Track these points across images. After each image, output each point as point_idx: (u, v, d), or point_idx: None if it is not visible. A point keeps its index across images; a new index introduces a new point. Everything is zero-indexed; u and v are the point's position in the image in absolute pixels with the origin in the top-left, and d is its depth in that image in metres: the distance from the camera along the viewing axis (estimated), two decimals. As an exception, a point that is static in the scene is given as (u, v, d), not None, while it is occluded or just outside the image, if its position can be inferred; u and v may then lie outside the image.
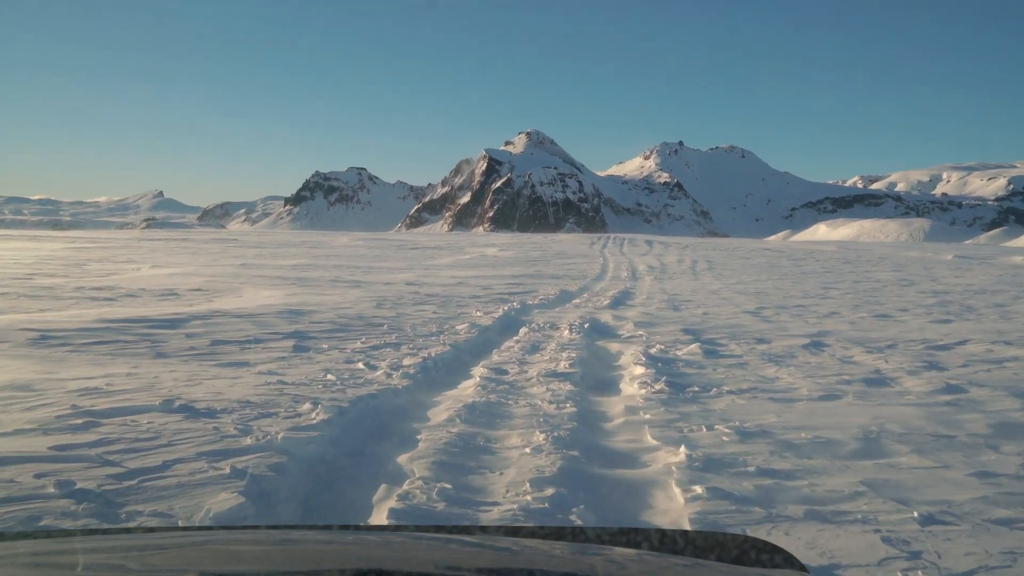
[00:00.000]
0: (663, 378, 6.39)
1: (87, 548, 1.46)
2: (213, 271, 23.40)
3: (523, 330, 9.71)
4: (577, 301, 14.60)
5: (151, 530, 2.50)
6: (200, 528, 3.03)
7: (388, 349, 7.72)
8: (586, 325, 9.91)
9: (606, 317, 11.09)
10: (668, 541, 1.63)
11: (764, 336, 9.53)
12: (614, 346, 8.56)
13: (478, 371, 6.80)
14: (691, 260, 35.31)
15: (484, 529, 2.01)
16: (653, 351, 7.99)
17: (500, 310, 11.72)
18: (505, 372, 6.83)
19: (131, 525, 3.16)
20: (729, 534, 1.69)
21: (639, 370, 6.81)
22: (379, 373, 6.57)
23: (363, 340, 8.31)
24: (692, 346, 8.19)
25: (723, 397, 5.95)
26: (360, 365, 6.99)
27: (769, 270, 29.44)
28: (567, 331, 9.37)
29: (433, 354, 7.48)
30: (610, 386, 6.50)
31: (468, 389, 6.22)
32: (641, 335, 9.41)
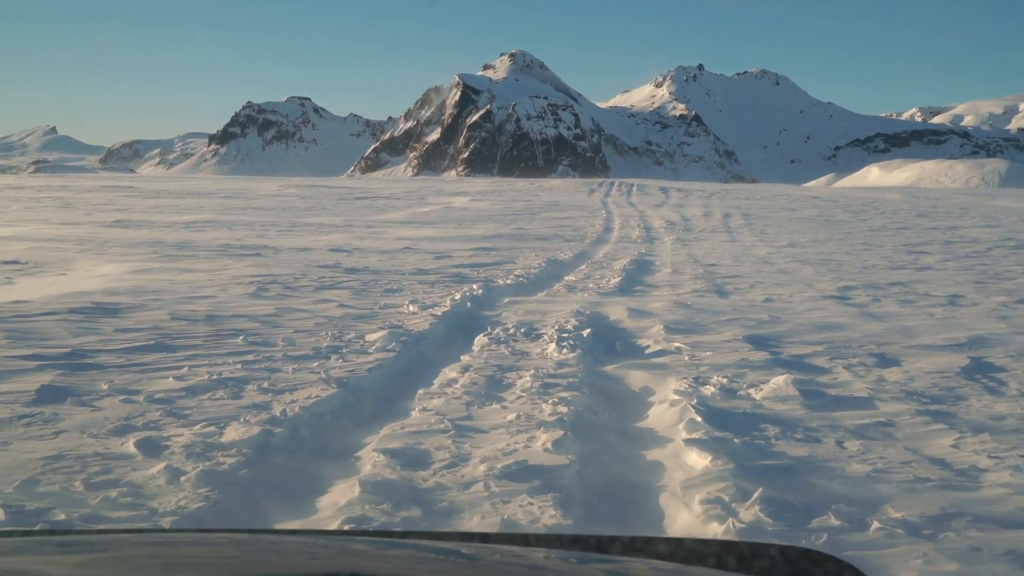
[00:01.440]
0: (756, 490, 3.67)
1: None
2: (65, 232, 20.55)
3: (479, 342, 7.01)
4: (571, 279, 11.92)
5: (102, 532, 2.58)
6: (151, 531, 2.91)
7: (190, 407, 4.97)
8: (586, 331, 7.22)
9: (617, 311, 8.42)
10: (691, 551, 1.63)
11: (884, 350, 6.90)
12: (636, 379, 5.89)
13: (342, 492, 3.90)
14: (721, 213, 32.72)
15: (477, 536, 2.06)
16: (710, 392, 5.33)
17: (450, 299, 9.03)
18: (413, 478, 3.99)
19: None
20: (779, 545, 1.63)
21: (697, 458, 4.11)
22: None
23: (175, 374, 5.58)
24: (777, 380, 5.53)
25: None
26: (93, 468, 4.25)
27: (825, 226, 26.97)
28: (552, 345, 6.67)
29: (284, 414, 4.75)
30: (646, 514, 3.80)
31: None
32: (679, 351, 6.74)
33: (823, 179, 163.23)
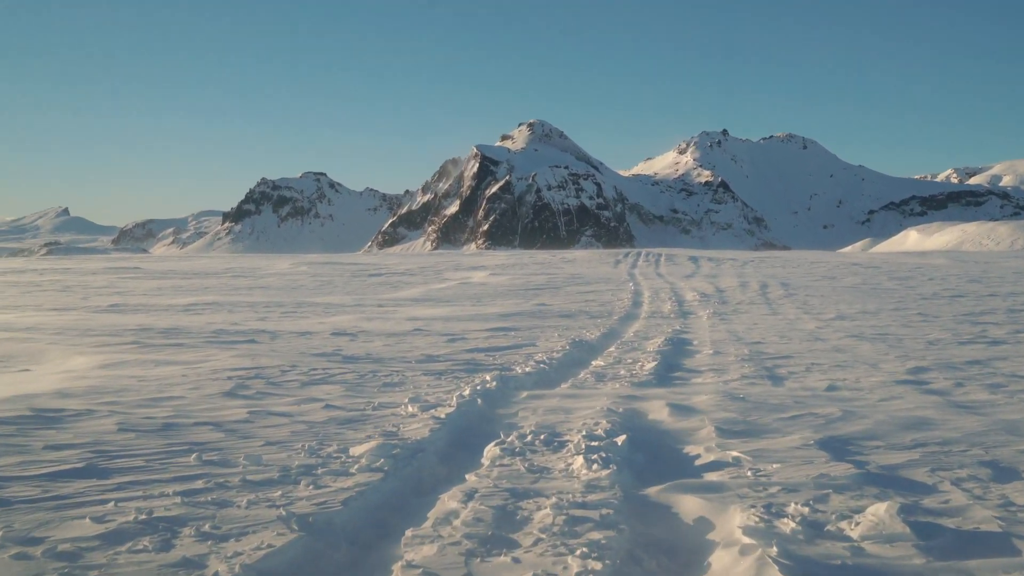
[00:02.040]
0: None
1: None
2: (49, 320, 19.69)
3: (489, 453, 5.90)
4: (600, 364, 10.80)
5: None
6: None
7: (97, 565, 3.83)
8: (620, 438, 6.08)
9: (656, 408, 7.30)
10: None
11: (995, 455, 5.71)
12: (689, 508, 4.70)
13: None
14: (757, 283, 31.56)
15: None
16: (789, 530, 4.14)
17: (458, 395, 7.94)
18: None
19: None
20: None
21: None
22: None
23: (96, 513, 4.46)
24: (876, 510, 4.33)
25: None
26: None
27: (872, 296, 25.74)
28: (580, 458, 5.53)
29: None
30: None
31: None
32: (739, 463, 5.58)
33: (859, 244, 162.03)
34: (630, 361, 11.00)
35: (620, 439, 5.94)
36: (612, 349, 12.61)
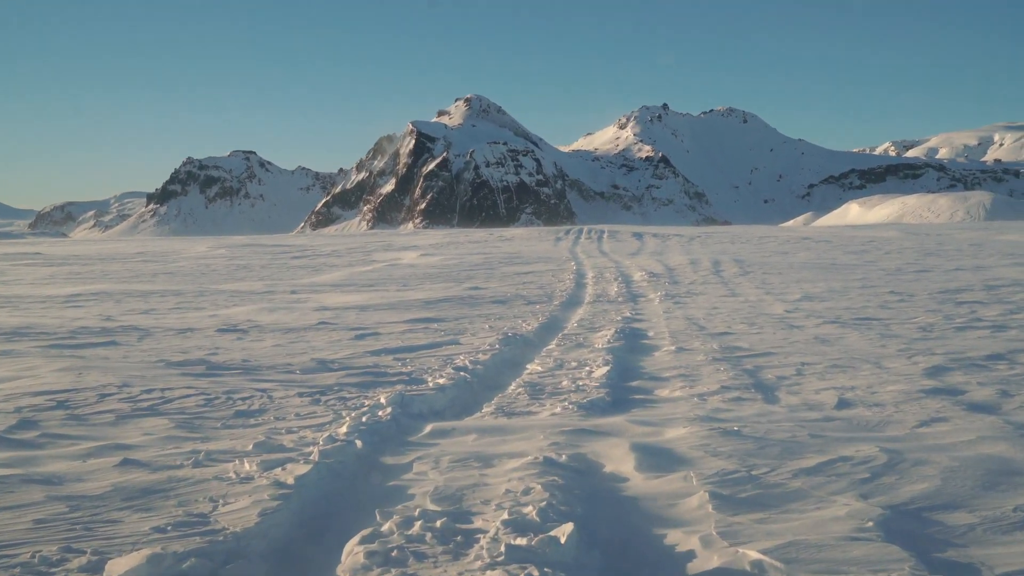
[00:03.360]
0: None
1: None
2: None
3: (350, 560, 3.62)
4: (537, 370, 8.57)
5: None
6: None
7: None
8: (563, 531, 3.80)
9: (618, 456, 5.06)
10: None
11: None
12: None
13: None
14: (708, 260, 29.67)
15: None
16: None
17: (330, 434, 5.62)
18: None
19: None
20: None
21: None
22: None
23: None
24: None
25: None
26: None
27: (833, 272, 24.05)
28: (500, 572, 3.30)
29: None
30: None
31: None
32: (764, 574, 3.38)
33: (800, 218, 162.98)
34: (574, 364, 8.78)
35: (563, 532, 3.68)
36: (552, 346, 10.39)
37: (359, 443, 5.36)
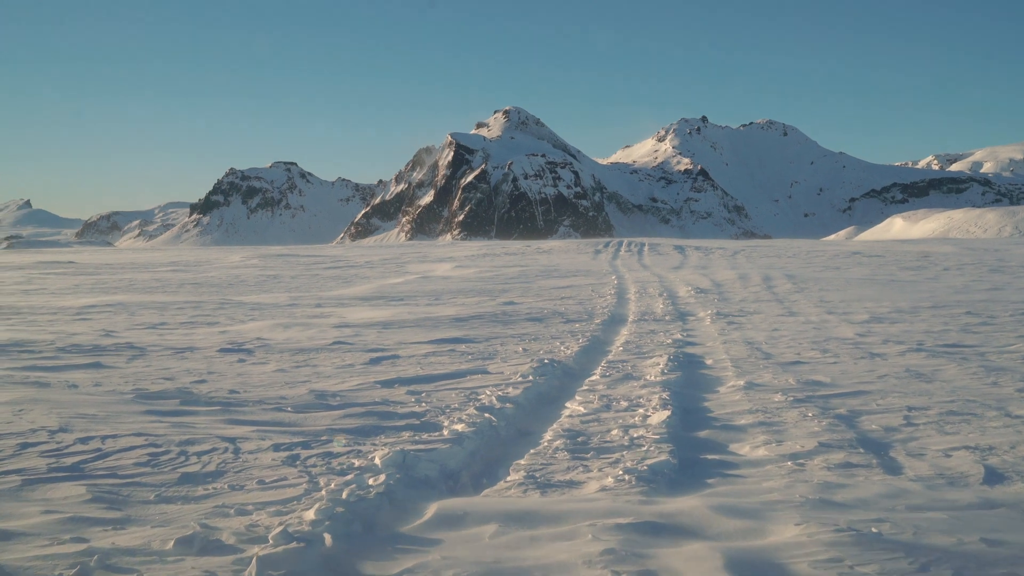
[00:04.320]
0: None
1: None
2: None
3: None
4: (578, 411, 6.99)
5: None
6: None
7: None
8: None
9: (702, 564, 3.49)
10: None
11: None
12: None
13: None
14: (759, 275, 27.84)
15: None
16: None
17: (316, 507, 4.10)
18: None
19: None
20: None
21: None
22: None
23: None
24: None
25: None
26: None
27: (894, 289, 22.19)
28: None
29: None
30: None
31: None
32: None
33: (843, 232, 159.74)
34: (624, 404, 7.17)
35: None
36: (596, 377, 8.80)
37: (328, 539, 3.80)
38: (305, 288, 27.81)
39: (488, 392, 7.67)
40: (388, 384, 8.24)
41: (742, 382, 8.18)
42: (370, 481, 4.60)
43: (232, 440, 5.55)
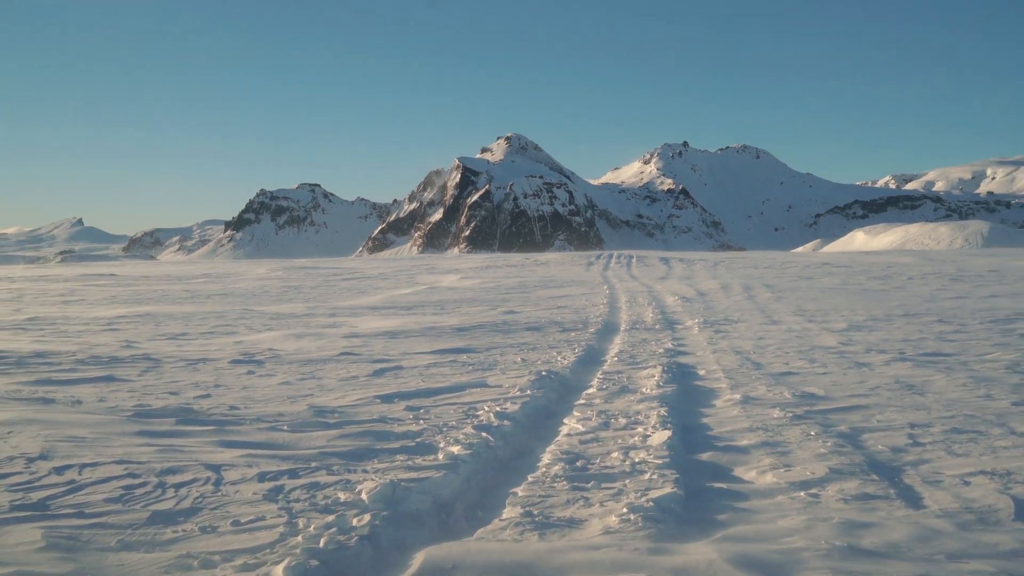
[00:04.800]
0: None
1: None
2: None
3: None
4: (577, 429, 6.20)
5: None
6: None
7: None
8: None
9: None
10: None
11: None
12: None
13: None
14: (739, 285, 27.02)
15: None
16: None
17: (286, 562, 3.31)
18: None
19: None
20: None
21: None
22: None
23: None
24: None
25: None
26: None
27: (866, 298, 21.40)
28: None
29: None
30: None
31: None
32: None
33: (810, 245, 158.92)
34: (623, 422, 6.36)
35: None
36: (593, 390, 7.99)
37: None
38: (322, 298, 27.00)
39: (486, 408, 6.86)
40: (388, 399, 7.44)
41: (738, 396, 7.38)
42: (354, 521, 3.81)
43: (217, 468, 4.74)
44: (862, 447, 5.37)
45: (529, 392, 7.60)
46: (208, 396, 7.85)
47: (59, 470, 4.67)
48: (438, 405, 7.15)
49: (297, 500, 4.20)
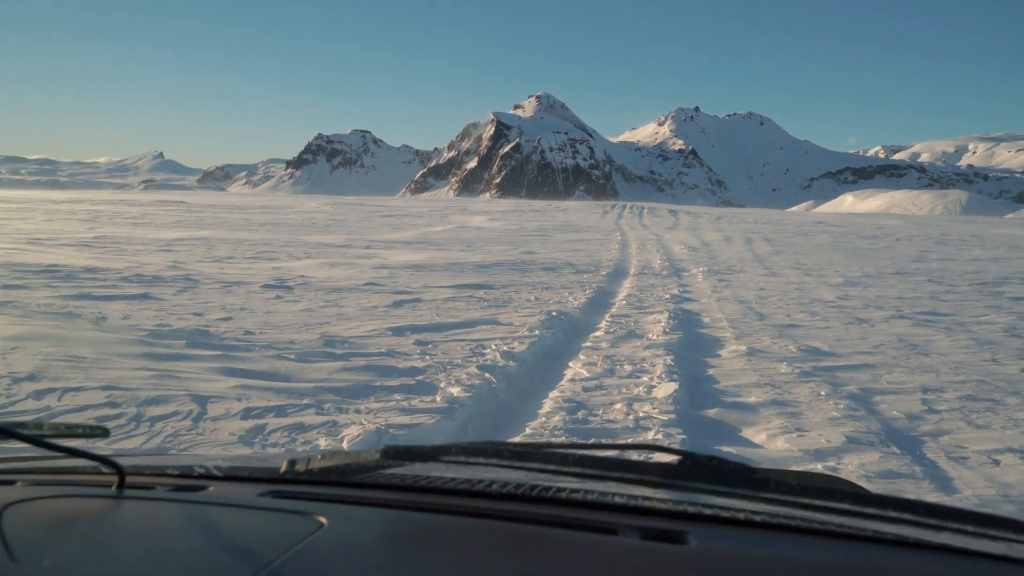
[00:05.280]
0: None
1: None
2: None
3: None
4: (582, 374, 5.41)
5: None
6: None
7: None
8: None
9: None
10: None
11: None
12: None
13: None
14: (741, 238, 25.89)
15: None
16: None
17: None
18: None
19: None
20: None
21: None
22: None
23: None
24: None
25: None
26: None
27: (859, 256, 20.26)
28: None
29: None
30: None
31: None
32: None
33: (803, 205, 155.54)
34: (628, 369, 5.55)
35: None
36: (600, 332, 7.17)
37: None
38: (362, 231, 26.24)
39: (494, 347, 6.08)
40: (399, 332, 6.67)
41: (743, 347, 6.53)
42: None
43: (204, 400, 4.01)
44: (876, 412, 4.53)
45: (537, 332, 6.80)
46: (230, 319, 7.14)
47: (39, 394, 3.96)
48: (448, 340, 6.38)
49: (274, 444, 3.46)
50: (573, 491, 0.96)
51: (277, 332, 6.47)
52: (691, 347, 6.61)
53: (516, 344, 6.23)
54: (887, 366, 6.01)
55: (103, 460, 1.02)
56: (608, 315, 8.41)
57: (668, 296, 10.30)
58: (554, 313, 8.06)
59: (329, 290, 9.88)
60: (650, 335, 7.05)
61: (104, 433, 1.09)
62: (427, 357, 5.67)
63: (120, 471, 1.01)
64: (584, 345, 6.54)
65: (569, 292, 10.29)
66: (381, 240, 22.08)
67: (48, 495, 0.97)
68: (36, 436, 0.99)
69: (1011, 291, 12.74)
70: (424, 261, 14.88)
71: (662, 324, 7.66)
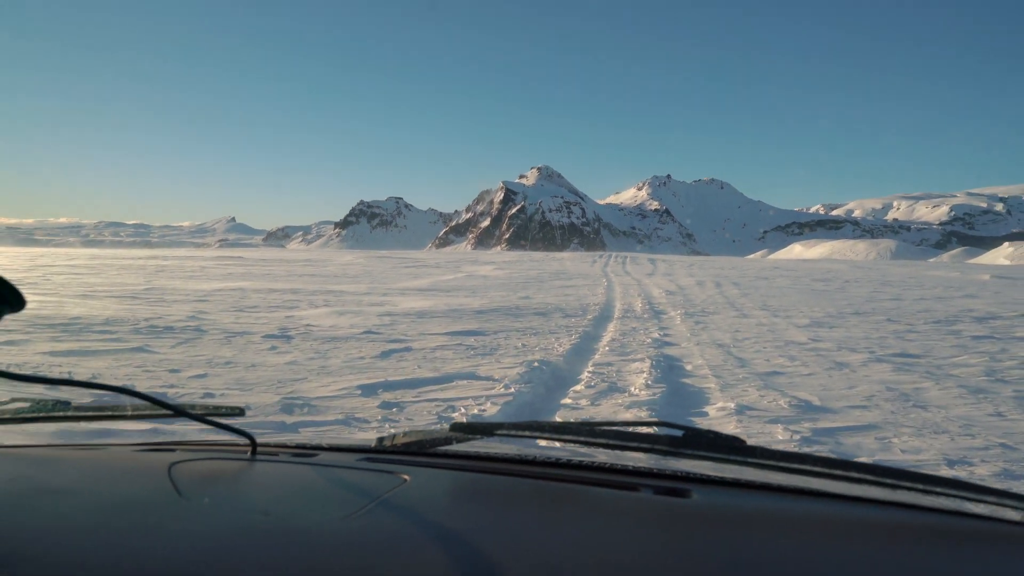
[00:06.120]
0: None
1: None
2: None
3: None
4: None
5: None
6: None
7: None
8: None
9: None
10: None
11: None
12: None
13: None
14: (712, 282, 24.44)
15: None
16: None
17: None
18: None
19: None
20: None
21: None
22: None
23: None
24: None
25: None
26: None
27: (819, 297, 18.71)
28: None
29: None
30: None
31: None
32: None
33: (759, 253, 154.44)
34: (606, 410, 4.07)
35: None
36: (581, 387, 5.70)
37: None
38: (385, 280, 24.96)
39: (464, 408, 4.63)
40: (370, 391, 5.24)
41: (732, 404, 5.05)
42: None
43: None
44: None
45: (514, 389, 5.35)
46: (203, 376, 5.73)
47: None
48: (418, 400, 4.93)
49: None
50: (600, 459, 1.03)
51: (240, 393, 5.04)
52: (676, 403, 5.14)
53: (488, 405, 4.77)
54: (890, 425, 4.52)
55: (240, 432, 1.11)
56: (591, 363, 6.95)
57: (649, 340, 8.85)
58: (535, 364, 6.61)
59: (326, 339, 8.48)
60: (632, 388, 5.58)
61: (241, 412, 1.15)
62: (386, 424, 4.22)
63: (253, 441, 1.10)
64: (563, 402, 5.08)
65: (555, 337, 8.86)
66: (398, 288, 20.73)
67: (201, 457, 1.04)
68: (197, 415, 1.07)
69: (967, 329, 11.21)
70: (428, 307, 13.49)
71: (644, 375, 6.20)
